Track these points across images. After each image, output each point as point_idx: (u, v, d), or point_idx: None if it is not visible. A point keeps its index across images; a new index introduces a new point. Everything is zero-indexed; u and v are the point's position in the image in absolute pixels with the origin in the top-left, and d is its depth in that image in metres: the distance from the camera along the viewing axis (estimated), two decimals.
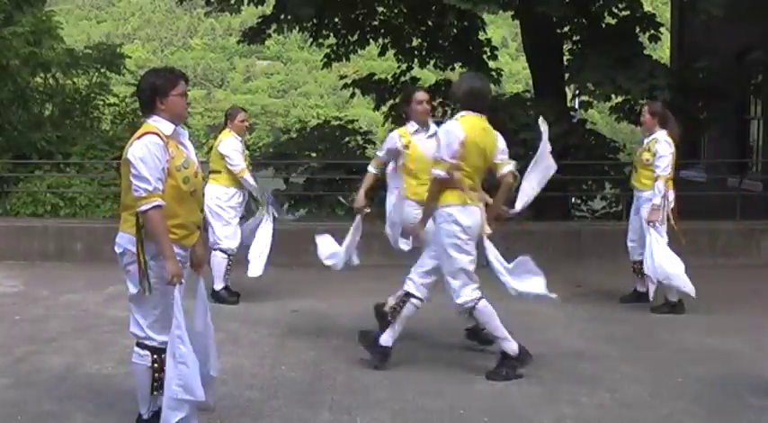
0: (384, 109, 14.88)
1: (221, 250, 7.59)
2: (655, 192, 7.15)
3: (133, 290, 4.21)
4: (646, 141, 7.47)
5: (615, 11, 12.38)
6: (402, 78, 14.82)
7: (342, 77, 15.30)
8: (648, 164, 7.30)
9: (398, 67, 14.93)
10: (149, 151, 4.05)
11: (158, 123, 4.16)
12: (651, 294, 7.27)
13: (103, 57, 14.47)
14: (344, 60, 15.06)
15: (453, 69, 15.21)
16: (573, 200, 13.70)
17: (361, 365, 5.61)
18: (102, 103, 14.70)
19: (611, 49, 11.93)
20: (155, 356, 4.25)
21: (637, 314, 7.21)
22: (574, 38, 13.48)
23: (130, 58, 16.58)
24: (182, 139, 4.29)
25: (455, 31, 14.03)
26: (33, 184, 11.85)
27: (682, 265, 7.02)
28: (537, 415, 4.70)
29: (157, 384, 4.29)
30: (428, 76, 16.84)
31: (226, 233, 7.59)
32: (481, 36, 14.57)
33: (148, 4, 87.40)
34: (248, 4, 13.32)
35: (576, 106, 13.75)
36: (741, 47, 13.50)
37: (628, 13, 12.44)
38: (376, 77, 14.98)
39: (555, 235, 10.09)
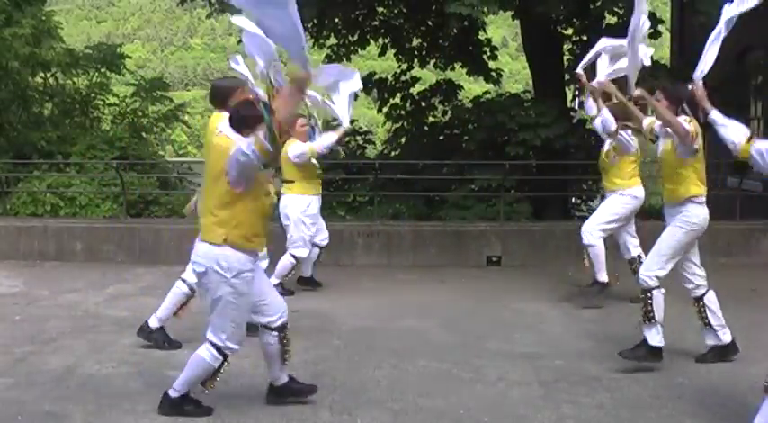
0: (385, 109, 14.87)
1: (293, 256, 7.70)
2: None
3: (210, 302, 4.50)
4: (609, 142, 7.48)
5: (616, 9, 12.36)
6: (402, 78, 14.83)
7: None
8: (615, 164, 7.38)
9: (398, 66, 14.93)
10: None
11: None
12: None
13: (103, 57, 14.47)
14: (345, 60, 15.05)
15: (453, 69, 15.22)
16: (573, 200, 13.70)
17: (361, 365, 5.61)
18: (102, 103, 14.69)
19: None
20: (225, 362, 4.59)
21: (637, 314, 7.20)
22: (574, 38, 13.48)
23: (130, 58, 16.58)
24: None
25: (455, 31, 14.02)
26: (33, 184, 11.84)
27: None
28: (537, 415, 4.70)
29: (209, 381, 4.62)
30: (428, 76, 16.83)
31: (301, 242, 7.71)
32: (481, 36, 14.56)
33: (148, 4, 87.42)
34: None
35: (576, 106, 13.74)
36: (741, 47, 13.50)
37: (625, 12, 12.42)
38: (376, 77, 14.98)
39: (555, 235, 10.09)
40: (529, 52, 14.32)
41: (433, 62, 15.04)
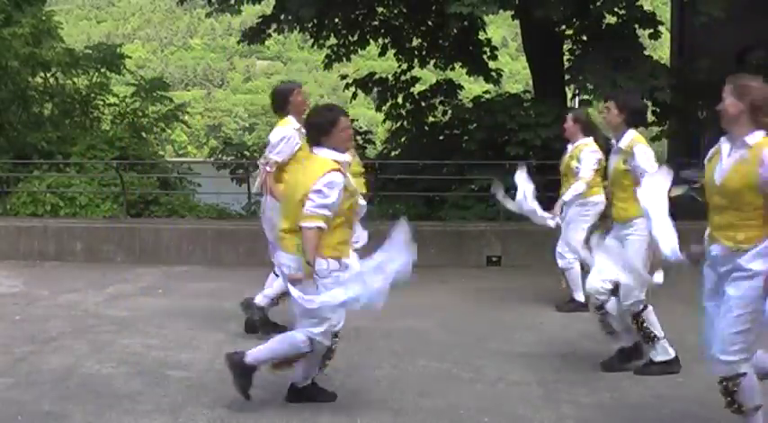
0: (384, 108, 14.87)
1: None
2: (571, 190, 7.03)
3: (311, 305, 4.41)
4: (570, 149, 7.37)
5: (615, 10, 12.37)
6: (402, 78, 14.84)
7: (343, 78, 15.28)
8: (577, 171, 7.19)
9: (398, 66, 14.93)
10: (334, 188, 4.40)
11: (334, 155, 4.50)
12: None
13: (103, 57, 14.48)
14: (345, 60, 15.06)
15: (453, 69, 15.22)
16: None
17: (361, 365, 5.61)
18: (102, 103, 14.71)
19: (612, 49, 11.92)
20: (308, 353, 4.60)
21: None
22: (574, 38, 13.48)
23: (130, 58, 16.58)
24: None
25: (455, 31, 14.04)
26: (33, 184, 11.85)
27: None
28: (537, 415, 4.70)
29: (280, 365, 4.68)
30: (428, 76, 16.84)
31: None
32: (481, 36, 14.58)
33: (148, 4, 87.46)
34: (248, 3, 13.31)
35: (576, 106, 13.75)
36: (741, 47, 13.50)
37: (625, 12, 12.42)
38: (376, 77, 14.99)
39: (555, 235, 10.07)
40: (529, 52, 14.32)
41: (433, 62, 15.04)
